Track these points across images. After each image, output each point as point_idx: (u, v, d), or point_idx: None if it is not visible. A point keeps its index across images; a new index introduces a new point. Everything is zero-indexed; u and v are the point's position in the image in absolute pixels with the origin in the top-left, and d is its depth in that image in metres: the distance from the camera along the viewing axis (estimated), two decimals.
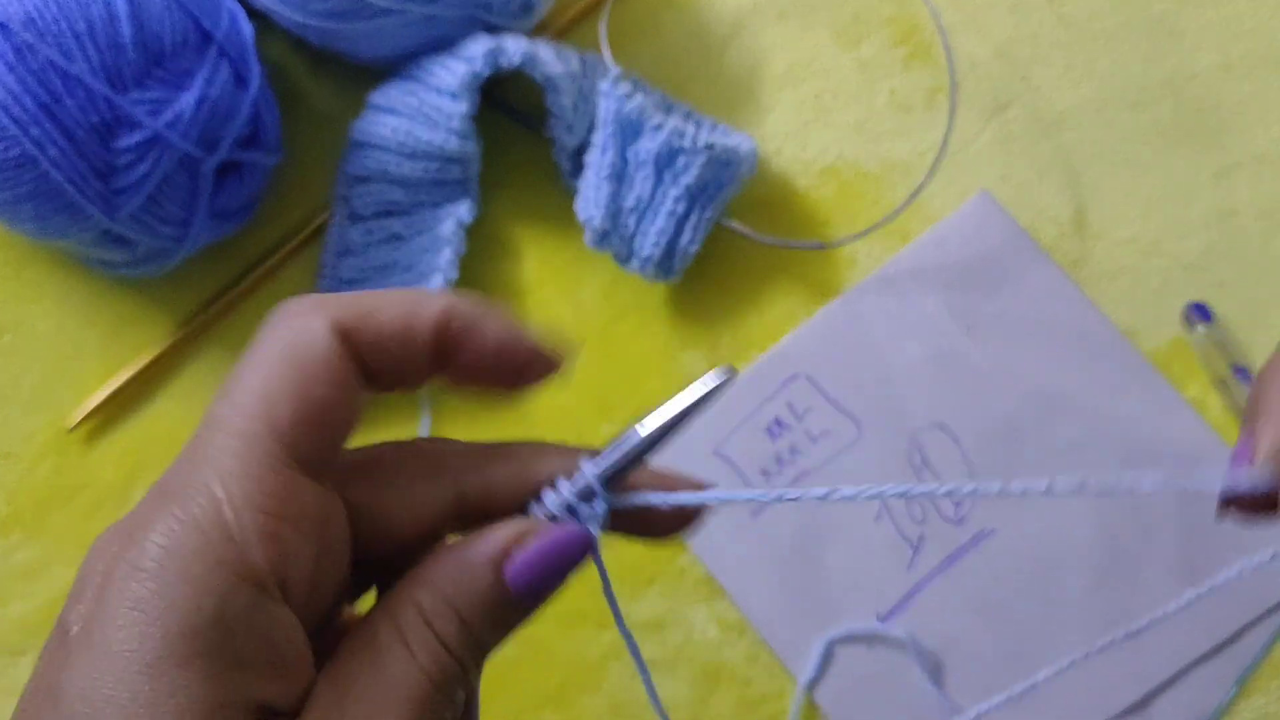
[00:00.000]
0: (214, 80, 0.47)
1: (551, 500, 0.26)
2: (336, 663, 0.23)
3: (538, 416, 0.52)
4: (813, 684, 0.48)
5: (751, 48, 0.55)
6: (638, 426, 0.26)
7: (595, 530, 0.26)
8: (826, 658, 0.48)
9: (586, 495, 0.26)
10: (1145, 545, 0.48)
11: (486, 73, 0.49)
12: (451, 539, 0.26)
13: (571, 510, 0.26)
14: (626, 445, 0.26)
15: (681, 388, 0.50)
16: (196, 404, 0.52)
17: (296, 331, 0.23)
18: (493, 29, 0.51)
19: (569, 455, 0.27)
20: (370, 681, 0.23)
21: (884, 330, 0.51)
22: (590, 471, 0.26)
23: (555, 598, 0.25)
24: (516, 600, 0.24)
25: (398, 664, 0.23)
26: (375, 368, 0.24)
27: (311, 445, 0.23)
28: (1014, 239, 0.52)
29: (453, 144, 0.50)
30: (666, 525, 0.27)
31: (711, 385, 0.26)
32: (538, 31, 0.54)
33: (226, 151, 0.48)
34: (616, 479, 0.26)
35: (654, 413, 0.26)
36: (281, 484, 0.22)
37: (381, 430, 0.51)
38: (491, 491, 0.26)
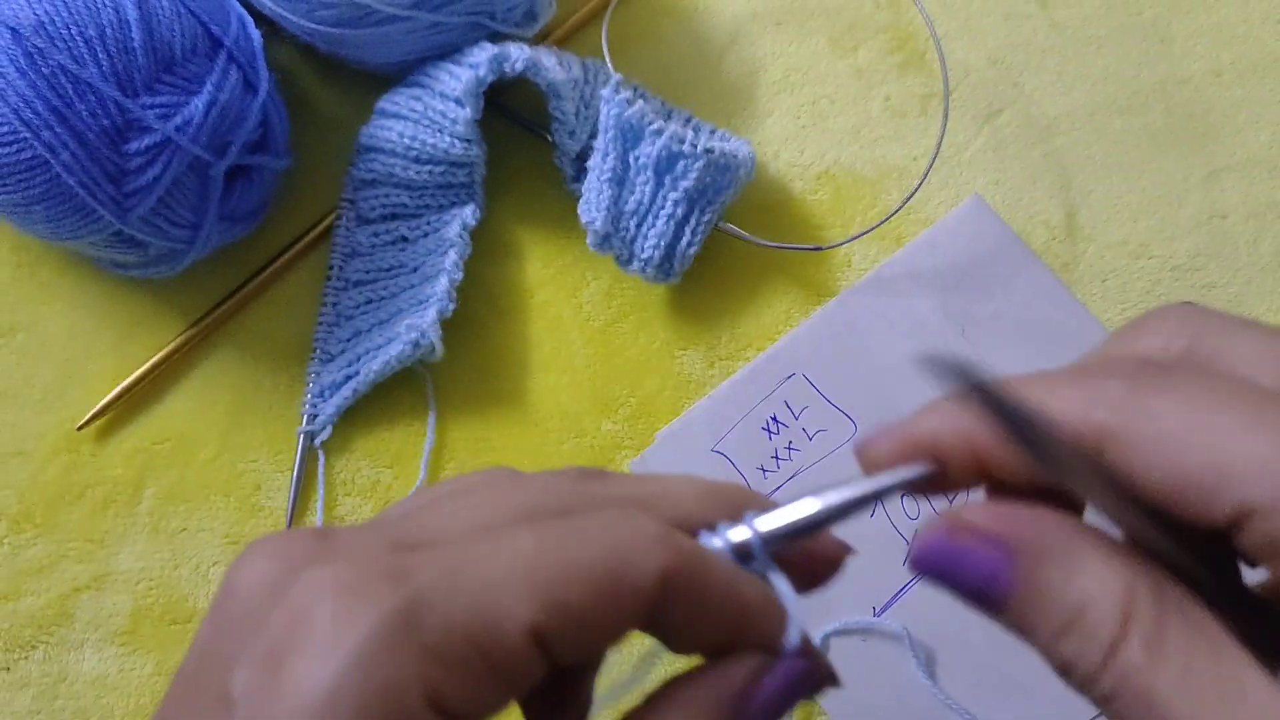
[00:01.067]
0: (224, 85, 0.47)
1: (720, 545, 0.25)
2: None
3: (538, 416, 0.52)
4: None
5: (749, 55, 0.55)
6: (815, 497, 0.25)
7: (788, 599, 0.25)
8: (822, 650, 0.49)
9: (742, 554, 0.25)
10: None
11: (491, 79, 0.49)
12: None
13: (742, 560, 0.25)
14: (803, 513, 0.25)
15: (681, 387, 0.52)
16: (206, 403, 0.53)
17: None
18: (497, 36, 0.51)
19: (716, 497, 0.26)
20: None
21: (879, 331, 0.51)
22: (754, 527, 0.25)
23: None
24: None
25: None
26: (563, 659, 0.22)
27: None
28: (1006, 242, 0.52)
29: (458, 149, 0.50)
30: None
31: (908, 477, 0.25)
32: (540, 39, 0.54)
33: (236, 156, 0.48)
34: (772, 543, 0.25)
35: (834, 488, 0.25)
36: None
37: (388, 422, 0.52)
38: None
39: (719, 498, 0.26)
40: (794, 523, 0.25)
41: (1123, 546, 0.23)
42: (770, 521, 0.25)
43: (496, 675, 0.21)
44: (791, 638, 0.24)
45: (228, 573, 0.23)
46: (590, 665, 0.27)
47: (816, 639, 0.49)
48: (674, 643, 0.24)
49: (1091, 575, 0.22)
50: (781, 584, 0.25)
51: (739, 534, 0.25)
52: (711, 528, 0.25)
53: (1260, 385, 0.22)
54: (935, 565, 0.24)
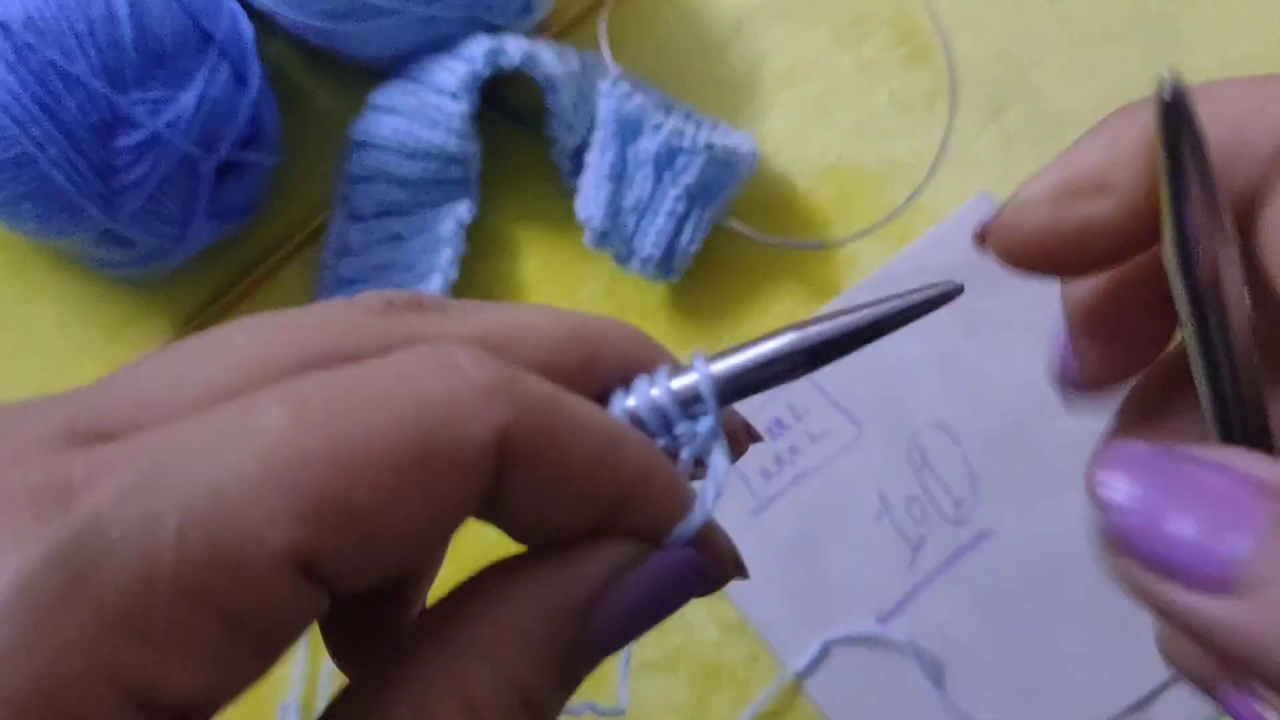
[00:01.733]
0: (214, 80, 0.47)
1: (637, 404, 0.19)
2: None
3: None
4: (803, 675, 0.48)
5: (752, 48, 0.55)
6: (786, 332, 0.19)
7: (710, 492, 0.18)
8: (823, 655, 0.48)
9: (686, 402, 0.19)
10: None
11: (487, 73, 0.49)
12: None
13: (667, 424, 0.19)
14: (771, 346, 0.19)
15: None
16: None
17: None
18: (493, 29, 0.51)
19: (644, 349, 0.20)
20: None
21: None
22: (704, 371, 0.19)
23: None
24: (597, 653, 0.18)
25: None
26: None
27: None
28: None
29: (453, 144, 0.50)
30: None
31: (933, 294, 0.19)
32: (538, 31, 0.54)
33: (226, 151, 0.48)
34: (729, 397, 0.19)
35: (822, 320, 0.19)
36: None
37: None
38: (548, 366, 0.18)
39: (598, 339, 0.19)
40: (765, 358, 0.19)
41: None
42: (726, 365, 0.19)
43: (241, 635, 0.14)
44: (691, 522, 0.18)
45: None
46: (411, 577, 0.20)
47: (816, 647, 0.48)
48: (515, 530, 0.18)
49: None
50: (718, 455, 0.19)
51: (671, 382, 0.18)
52: (612, 382, 0.18)
53: None
54: (1142, 495, 0.17)
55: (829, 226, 0.53)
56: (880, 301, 0.19)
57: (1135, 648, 0.47)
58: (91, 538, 0.13)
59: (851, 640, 0.48)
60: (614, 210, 0.49)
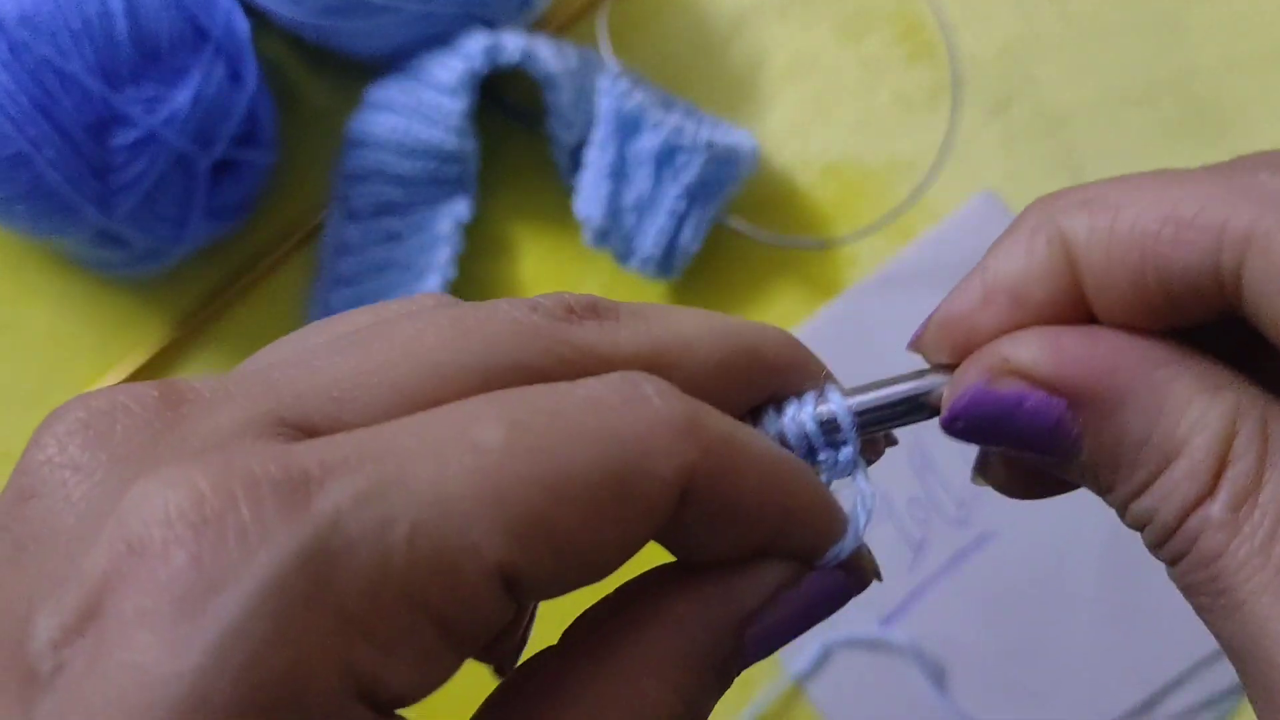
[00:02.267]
0: (210, 78, 0.46)
1: (785, 426, 0.20)
2: None
3: None
4: (803, 677, 0.48)
5: (753, 44, 0.55)
6: (922, 377, 0.21)
7: (862, 518, 0.20)
8: (824, 657, 0.48)
9: (828, 430, 0.20)
10: None
11: (485, 70, 0.49)
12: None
13: (811, 449, 0.20)
14: (906, 389, 0.21)
15: None
16: None
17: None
18: (491, 25, 0.51)
19: (799, 362, 0.21)
20: None
21: (886, 330, 0.51)
22: (839, 404, 0.20)
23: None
24: (749, 661, 0.19)
25: None
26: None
27: None
28: None
29: (451, 142, 0.49)
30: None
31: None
32: (536, 28, 0.54)
33: (222, 149, 0.48)
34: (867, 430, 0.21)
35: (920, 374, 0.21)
36: None
37: None
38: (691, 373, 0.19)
39: (761, 354, 0.20)
40: (893, 398, 0.20)
41: (1229, 373, 0.19)
42: (863, 398, 0.20)
43: (448, 639, 0.15)
44: (845, 547, 0.20)
45: (26, 451, 0.16)
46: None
47: (816, 649, 0.48)
48: (682, 550, 0.19)
49: (1182, 416, 0.18)
50: (862, 480, 0.20)
51: (817, 410, 0.20)
52: (761, 401, 0.20)
53: None
54: (978, 423, 0.20)
55: (830, 225, 0.53)
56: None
57: (1138, 650, 0.47)
58: (333, 538, 0.14)
59: (852, 642, 0.48)
60: (613, 209, 0.49)
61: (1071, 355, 0.19)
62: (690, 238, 0.50)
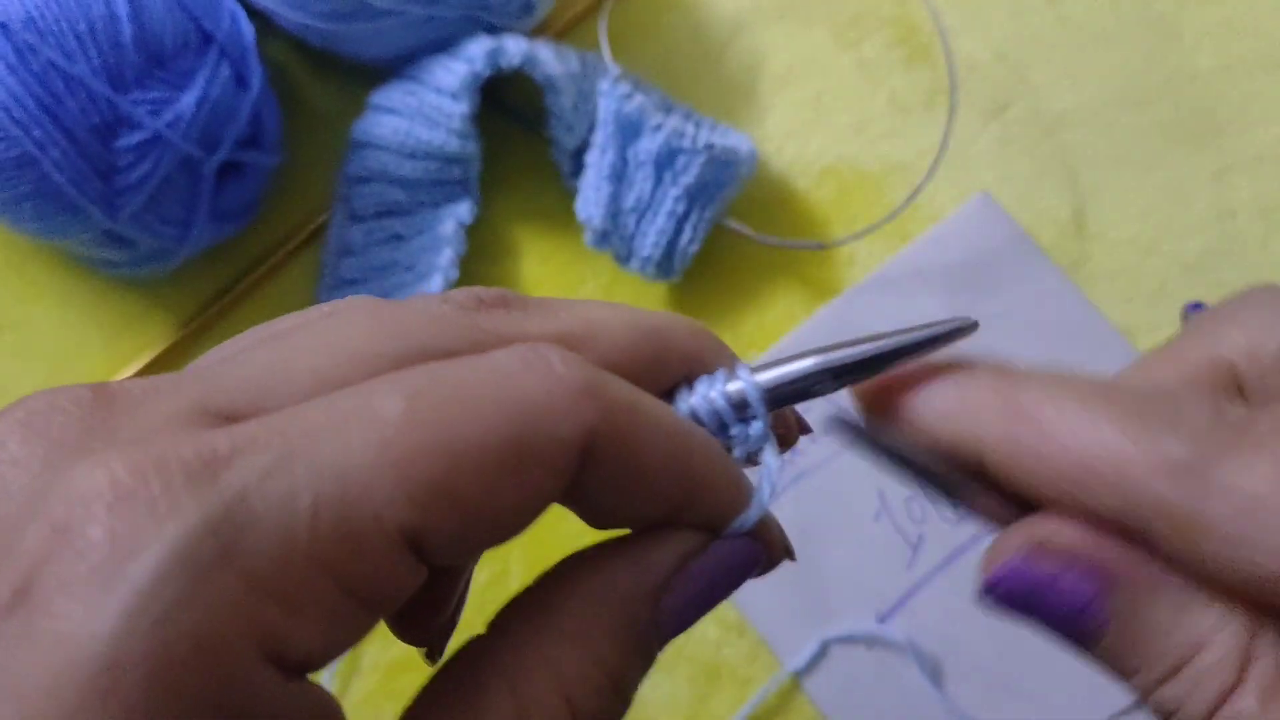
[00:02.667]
0: (215, 81, 0.47)
1: (698, 405, 0.21)
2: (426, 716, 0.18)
3: None
4: (801, 673, 0.48)
5: (751, 48, 0.55)
6: (816, 355, 0.21)
7: (766, 488, 0.20)
8: (822, 654, 0.48)
9: (739, 406, 0.21)
10: None
11: (486, 73, 0.49)
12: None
13: (723, 425, 0.21)
14: (799, 366, 0.21)
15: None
16: None
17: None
18: (493, 29, 0.51)
19: (707, 347, 0.21)
20: None
21: (884, 329, 0.51)
22: (749, 381, 0.21)
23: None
24: (667, 633, 0.20)
25: None
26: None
27: None
28: (1013, 239, 0.52)
29: (453, 144, 0.50)
30: None
31: (947, 329, 0.21)
32: (538, 32, 0.54)
33: (227, 152, 0.48)
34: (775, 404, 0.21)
35: (841, 346, 0.22)
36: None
37: None
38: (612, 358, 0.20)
39: (670, 338, 0.21)
40: (795, 375, 0.21)
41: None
42: (770, 374, 0.21)
43: (354, 602, 0.16)
44: (750, 515, 0.20)
45: None
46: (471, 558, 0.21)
47: (814, 646, 0.48)
48: (590, 516, 0.19)
49: (1206, 613, 0.19)
50: (769, 455, 0.21)
51: (726, 387, 0.21)
52: (674, 379, 0.20)
53: None
54: (1012, 595, 0.20)
55: (828, 226, 0.53)
56: (902, 331, 0.22)
57: None
58: (239, 510, 0.15)
59: (850, 639, 0.48)
60: (614, 210, 0.49)
61: (1109, 542, 0.20)
62: (690, 239, 0.50)
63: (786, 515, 0.49)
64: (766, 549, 0.21)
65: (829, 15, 0.55)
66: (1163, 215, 0.53)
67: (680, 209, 0.49)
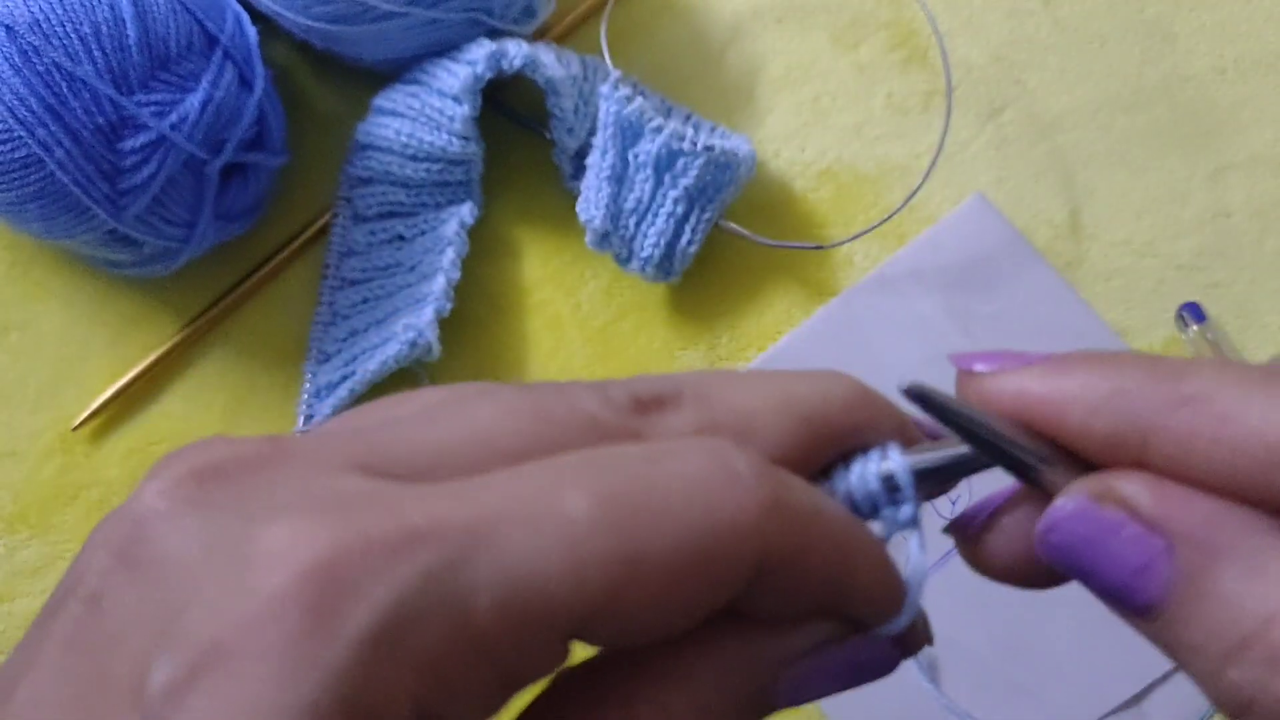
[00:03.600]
0: (219, 83, 0.47)
1: (852, 484, 0.20)
2: None
3: None
4: None
5: (750, 51, 0.55)
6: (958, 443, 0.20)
7: (916, 593, 0.19)
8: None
9: (890, 488, 0.20)
10: None
11: (488, 76, 0.49)
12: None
13: (874, 507, 0.20)
14: (957, 451, 0.20)
15: None
16: (201, 403, 0.53)
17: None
18: (494, 33, 0.51)
19: (864, 422, 0.20)
20: None
21: (881, 331, 0.51)
22: (899, 463, 0.20)
23: None
24: (780, 704, 0.19)
25: None
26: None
27: None
28: (1009, 240, 0.52)
29: (455, 146, 0.50)
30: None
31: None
32: (539, 35, 0.54)
33: (232, 153, 0.48)
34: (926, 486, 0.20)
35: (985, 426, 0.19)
36: None
37: None
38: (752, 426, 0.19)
39: (826, 422, 0.20)
40: (951, 459, 0.20)
41: None
42: (925, 457, 0.20)
43: (508, 686, 0.16)
44: (899, 623, 0.20)
45: (141, 493, 0.17)
46: None
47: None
48: (742, 610, 0.19)
49: (1256, 572, 0.17)
50: (916, 549, 0.20)
51: (879, 471, 0.19)
52: (829, 465, 0.19)
53: None
54: (1068, 544, 0.19)
55: (826, 228, 0.53)
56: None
57: (1130, 643, 0.47)
58: (422, 597, 0.15)
59: None
60: (614, 212, 0.49)
61: (1177, 499, 0.18)
62: (689, 240, 0.50)
63: None
64: (909, 645, 0.20)
65: (827, 19, 0.55)
66: (1158, 216, 0.53)
67: (680, 210, 0.49)
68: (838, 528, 0.18)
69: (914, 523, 0.20)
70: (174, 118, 0.45)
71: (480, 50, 0.49)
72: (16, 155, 0.44)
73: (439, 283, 0.51)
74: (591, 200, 0.49)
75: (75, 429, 0.52)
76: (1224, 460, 0.18)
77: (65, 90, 0.44)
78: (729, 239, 0.52)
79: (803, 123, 0.54)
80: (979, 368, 0.20)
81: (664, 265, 0.50)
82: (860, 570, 0.19)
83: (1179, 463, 0.18)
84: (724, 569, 0.17)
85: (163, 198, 0.47)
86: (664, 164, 0.49)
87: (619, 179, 0.49)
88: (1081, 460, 0.19)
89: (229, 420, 0.52)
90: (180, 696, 0.15)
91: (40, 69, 0.43)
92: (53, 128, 0.44)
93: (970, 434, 0.19)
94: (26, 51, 0.43)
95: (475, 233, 0.52)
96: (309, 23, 0.49)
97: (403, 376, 0.52)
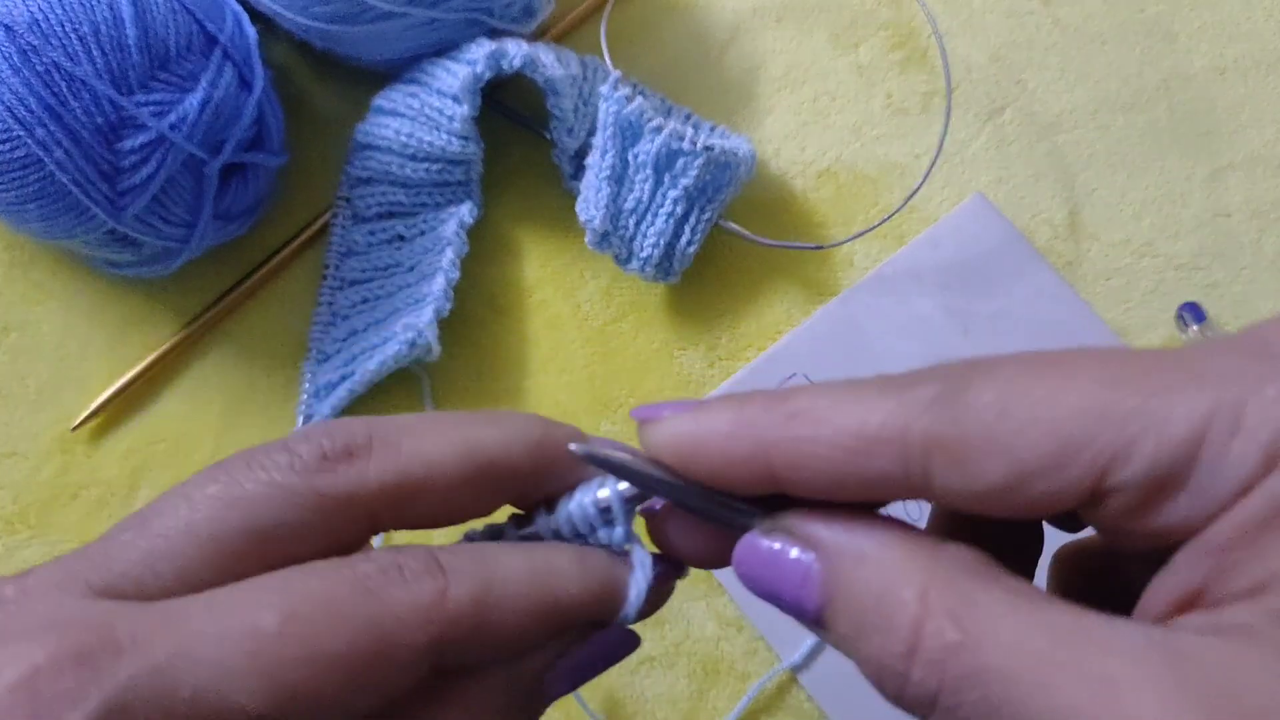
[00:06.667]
0: (218, 83, 0.47)
1: (575, 516, 0.24)
2: None
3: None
4: (798, 668, 0.48)
5: (750, 51, 0.55)
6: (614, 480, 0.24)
7: (639, 582, 0.23)
8: (818, 649, 0.48)
9: (605, 516, 0.24)
10: None
11: (488, 75, 0.49)
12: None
13: (592, 528, 0.24)
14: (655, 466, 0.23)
15: (681, 387, 0.50)
16: (201, 403, 0.53)
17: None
18: (494, 32, 0.51)
19: (545, 463, 0.24)
20: None
21: (881, 330, 0.51)
22: (615, 491, 0.24)
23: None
24: (550, 699, 0.24)
25: None
26: None
27: None
28: (1009, 240, 0.52)
29: (455, 146, 0.50)
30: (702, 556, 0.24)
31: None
32: (538, 35, 0.54)
33: (231, 153, 0.48)
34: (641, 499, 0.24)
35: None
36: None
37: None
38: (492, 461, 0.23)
39: (504, 465, 0.23)
40: (630, 492, 0.23)
41: (928, 530, 0.22)
42: (622, 486, 0.24)
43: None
44: (627, 616, 0.23)
45: None
46: None
47: (811, 641, 0.48)
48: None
49: (883, 563, 0.20)
50: (639, 551, 0.24)
51: (589, 498, 0.24)
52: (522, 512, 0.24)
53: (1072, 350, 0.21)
54: (750, 575, 0.22)
55: (826, 228, 0.53)
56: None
57: None
58: (133, 697, 0.19)
59: None
60: (614, 212, 0.49)
61: (820, 516, 0.22)
62: (689, 240, 0.50)
63: None
64: (654, 606, 0.24)
65: (827, 19, 0.55)
66: (1157, 216, 0.53)
67: (679, 210, 0.49)
68: (514, 589, 0.22)
69: (629, 538, 0.23)
70: (173, 118, 0.45)
71: (480, 50, 0.49)
72: (16, 155, 0.44)
73: (438, 283, 0.51)
74: (591, 200, 0.49)
75: (75, 429, 0.52)
76: (826, 456, 0.21)
77: (64, 90, 0.44)
78: (729, 239, 0.52)
79: (802, 123, 0.54)
80: (666, 414, 0.23)
81: (664, 265, 0.50)
82: (564, 597, 0.22)
83: (799, 467, 0.21)
84: (395, 657, 0.20)
85: (162, 198, 0.47)
86: (664, 164, 0.49)
87: (619, 179, 0.49)
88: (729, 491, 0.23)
89: (228, 420, 0.52)
90: None
91: (40, 69, 0.43)
92: (52, 128, 0.44)
93: (628, 476, 0.23)
94: (26, 51, 0.43)
95: (475, 233, 0.52)
96: (309, 23, 0.49)
97: (402, 376, 0.52)
